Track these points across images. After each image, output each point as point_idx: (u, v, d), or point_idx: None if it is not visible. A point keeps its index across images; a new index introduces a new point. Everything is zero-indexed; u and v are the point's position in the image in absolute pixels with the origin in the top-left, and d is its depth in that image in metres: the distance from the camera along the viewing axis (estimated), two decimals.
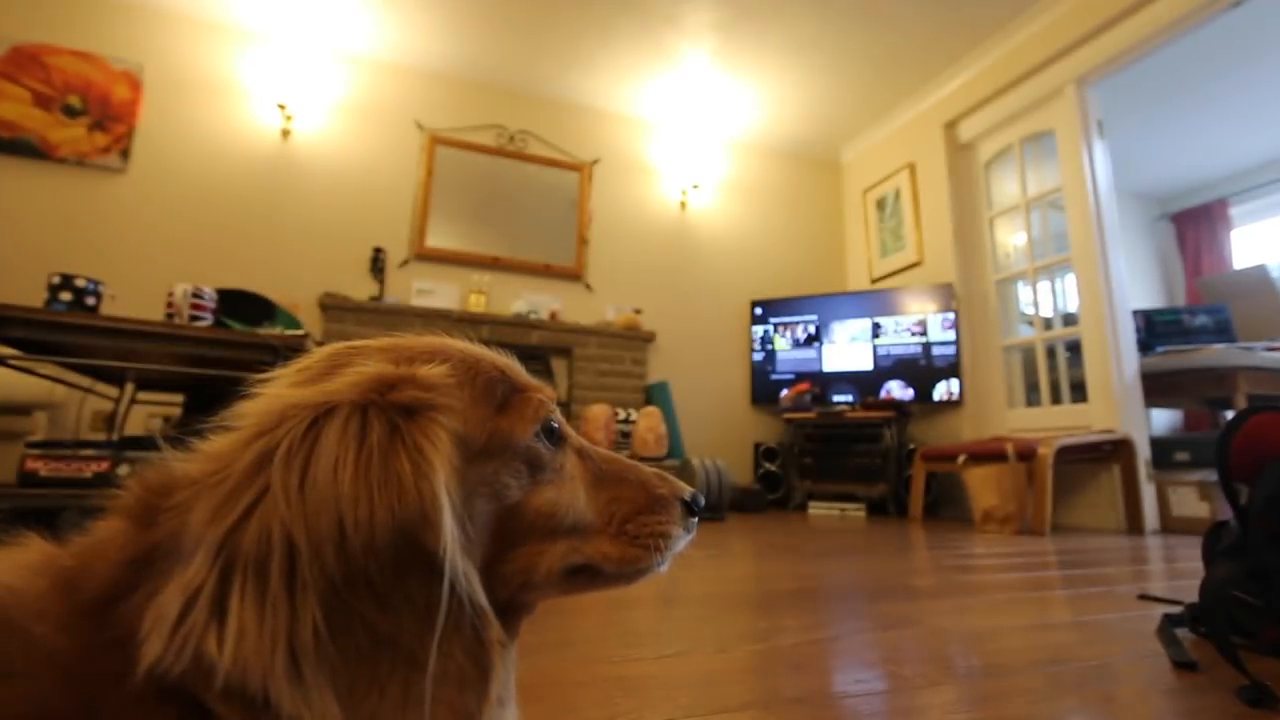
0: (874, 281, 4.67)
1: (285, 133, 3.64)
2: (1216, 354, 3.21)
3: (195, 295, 1.91)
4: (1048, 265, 3.61)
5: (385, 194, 3.84)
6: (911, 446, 3.78)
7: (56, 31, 3.31)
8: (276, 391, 0.33)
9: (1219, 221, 5.28)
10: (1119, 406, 3.11)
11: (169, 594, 0.25)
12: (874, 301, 4.25)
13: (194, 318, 1.89)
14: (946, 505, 3.84)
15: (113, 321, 1.75)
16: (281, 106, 3.60)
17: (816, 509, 3.86)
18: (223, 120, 3.56)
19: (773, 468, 4.18)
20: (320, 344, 0.52)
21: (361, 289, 3.64)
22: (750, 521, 3.15)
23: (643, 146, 4.52)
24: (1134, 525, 2.95)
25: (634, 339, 4.11)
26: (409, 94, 3.98)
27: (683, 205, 4.56)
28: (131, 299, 2.67)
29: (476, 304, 3.83)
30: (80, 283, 1.80)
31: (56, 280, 1.78)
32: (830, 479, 3.92)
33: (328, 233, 3.67)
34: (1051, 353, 3.59)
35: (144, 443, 1.91)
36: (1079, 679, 0.84)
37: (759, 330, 4.52)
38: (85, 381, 2.33)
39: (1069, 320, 3.54)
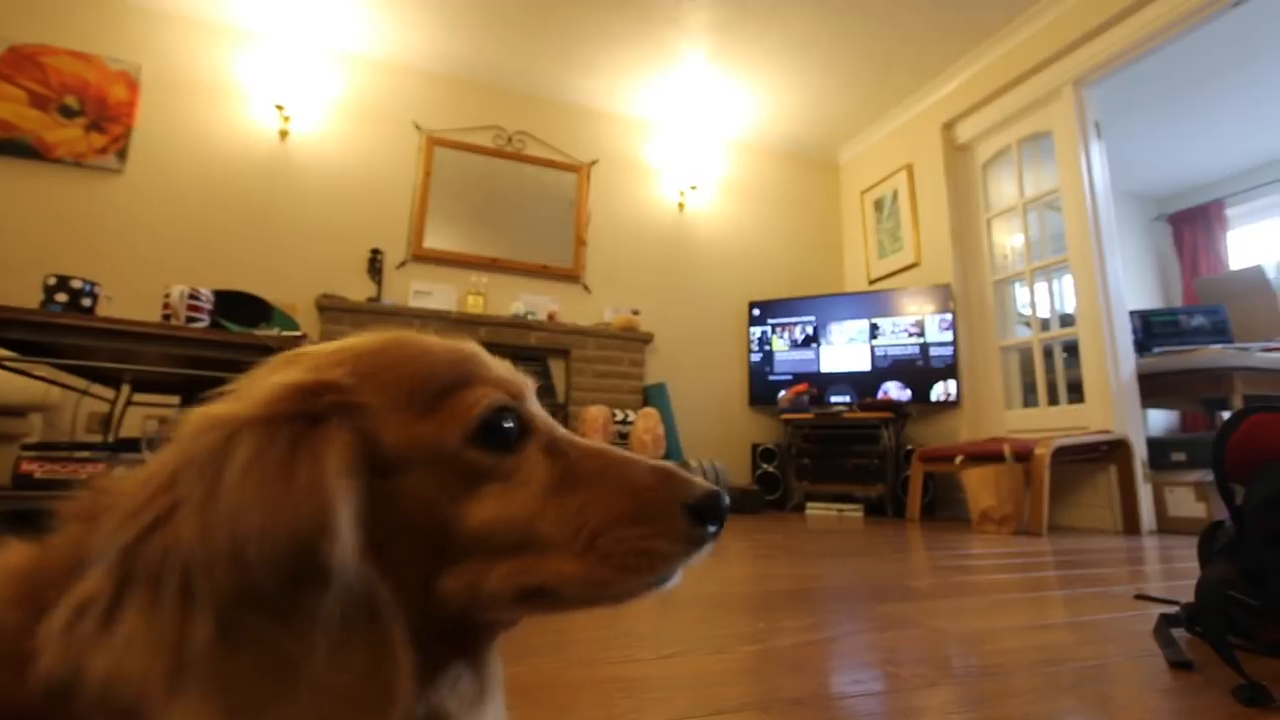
0: (872, 282, 4.67)
1: (283, 133, 3.63)
2: (1213, 355, 3.22)
3: (192, 296, 1.91)
4: (1045, 266, 3.61)
5: (383, 195, 3.83)
6: (909, 447, 3.78)
7: (53, 32, 3.30)
8: (210, 404, 0.34)
9: (1216, 222, 5.30)
10: (1116, 407, 3.11)
11: (64, 603, 0.25)
12: (872, 302, 4.26)
13: (190, 319, 1.89)
14: (944, 506, 3.84)
15: (109, 323, 1.75)
16: (279, 107, 3.59)
17: (814, 510, 3.86)
18: (220, 121, 3.55)
19: (770, 468, 4.17)
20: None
21: (359, 290, 3.63)
22: (748, 522, 3.15)
23: (641, 147, 4.52)
24: (1130, 525, 2.95)
25: (632, 340, 4.11)
26: (407, 94, 3.98)
27: (681, 206, 4.56)
28: (128, 300, 2.66)
29: (474, 305, 3.82)
30: (76, 284, 1.79)
31: (52, 281, 1.78)
32: (828, 480, 3.92)
33: (325, 234, 3.66)
34: (1049, 353, 3.59)
35: (140, 445, 1.90)
36: (1076, 679, 0.84)
37: (757, 331, 4.52)
38: (81, 383, 2.32)
39: (1066, 321, 3.55)
